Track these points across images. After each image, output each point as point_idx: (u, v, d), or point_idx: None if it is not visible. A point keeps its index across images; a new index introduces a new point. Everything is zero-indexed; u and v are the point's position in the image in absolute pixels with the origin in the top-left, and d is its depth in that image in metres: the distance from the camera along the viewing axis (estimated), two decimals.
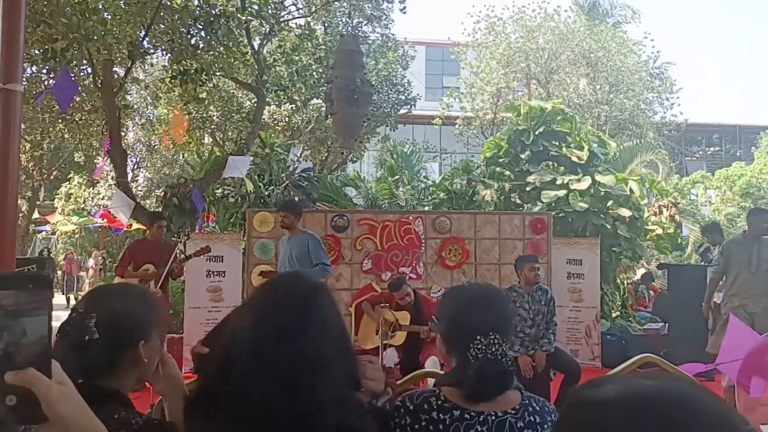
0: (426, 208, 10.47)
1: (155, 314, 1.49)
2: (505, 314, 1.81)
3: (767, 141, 22.09)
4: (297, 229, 6.12)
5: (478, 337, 1.69)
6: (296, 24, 11.51)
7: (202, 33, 8.47)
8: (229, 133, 13.70)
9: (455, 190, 10.05)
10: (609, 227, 8.95)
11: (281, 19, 10.54)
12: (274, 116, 13.55)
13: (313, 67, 11.54)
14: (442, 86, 21.86)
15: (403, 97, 14.16)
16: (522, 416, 1.65)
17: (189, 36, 8.43)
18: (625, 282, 9.80)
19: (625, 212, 8.97)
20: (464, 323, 1.74)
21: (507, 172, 9.92)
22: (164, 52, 9.22)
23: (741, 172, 19.16)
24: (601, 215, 9.00)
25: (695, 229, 12.15)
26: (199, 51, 8.58)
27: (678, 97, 18.05)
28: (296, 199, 8.98)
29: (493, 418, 1.62)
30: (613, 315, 9.01)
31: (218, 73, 10.01)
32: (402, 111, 14.40)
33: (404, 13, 11.83)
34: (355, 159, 13.67)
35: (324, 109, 9.49)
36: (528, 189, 9.58)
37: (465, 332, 1.71)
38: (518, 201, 9.83)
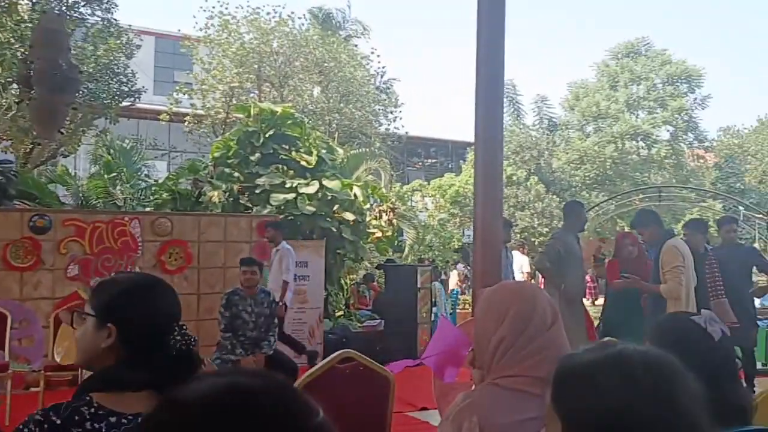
0: (148, 209, 9.78)
1: None
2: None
3: (472, 155, 25.03)
4: None
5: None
6: None
7: None
8: None
9: (180, 191, 9.55)
10: (335, 230, 9.26)
11: None
12: None
13: (15, 46, 10.07)
14: (173, 81, 20.82)
15: (127, 89, 13.10)
16: None
17: None
18: (349, 282, 10.23)
19: (350, 216, 9.36)
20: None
21: (236, 174, 9.71)
22: None
23: (451, 183, 21.42)
24: (328, 219, 9.27)
25: (411, 231, 13.24)
26: None
27: (401, 111, 19.52)
28: None
29: None
30: (337, 314, 9.33)
31: None
32: (125, 103, 13.32)
33: None
34: (67, 153, 12.25)
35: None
36: (257, 191, 9.49)
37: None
38: (247, 203, 9.68)
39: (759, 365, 6.76)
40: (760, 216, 14.60)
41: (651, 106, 26.26)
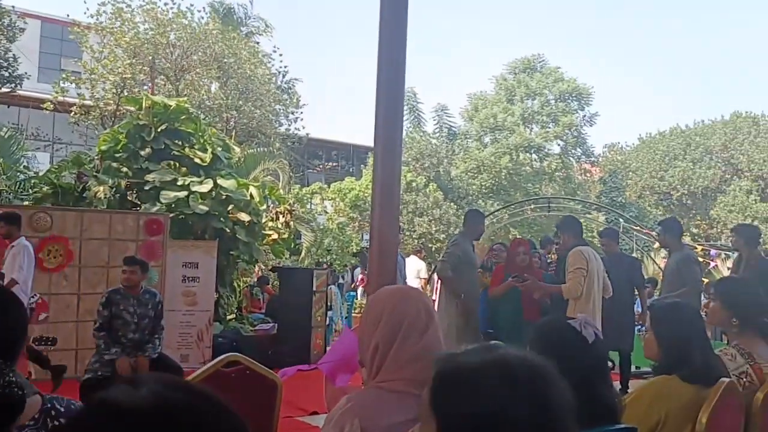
0: (26, 203, 9.12)
1: None
2: None
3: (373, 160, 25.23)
4: None
5: None
6: None
7: None
8: None
9: (63, 185, 8.95)
10: (228, 231, 8.99)
11: None
12: None
13: None
14: (60, 68, 19.62)
15: (7, 74, 12.24)
16: (44, 424, 1.45)
17: None
18: (242, 285, 9.98)
19: (245, 217, 9.11)
20: None
21: (124, 169, 9.23)
22: None
23: (351, 187, 21.47)
24: (222, 219, 8.99)
25: (309, 234, 13.14)
26: None
27: (302, 112, 19.37)
28: None
29: None
30: (228, 318, 9.07)
31: None
32: (4, 89, 12.43)
33: None
34: None
35: None
36: (147, 188, 9.06)
37: None
38: (135, 200, 9.23)
39: (633, 368, 7.14)
40: (637, 229, 15.57)
41: (544, 121, 27.52)
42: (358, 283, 14.51)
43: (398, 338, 1.73)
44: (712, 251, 14.58)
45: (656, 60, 61.97)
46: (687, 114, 76.83)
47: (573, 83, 27.29)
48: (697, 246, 18.39)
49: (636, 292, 7.27)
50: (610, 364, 6.86)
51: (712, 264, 13.37)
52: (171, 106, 9.67)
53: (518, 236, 21.76)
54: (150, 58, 15.02)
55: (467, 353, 1.11)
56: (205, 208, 8.76)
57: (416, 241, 18.72)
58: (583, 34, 62.07)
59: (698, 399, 2.57)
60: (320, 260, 14.33)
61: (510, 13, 60.88)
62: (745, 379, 2.94)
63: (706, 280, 9.09)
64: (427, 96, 60.54)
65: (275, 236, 9.94)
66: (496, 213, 19.93)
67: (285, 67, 19.55)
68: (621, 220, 18.36)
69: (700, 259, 16.73)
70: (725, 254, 14.72)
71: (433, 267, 11.91)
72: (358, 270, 16.03)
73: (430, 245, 19.01)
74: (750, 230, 6.44)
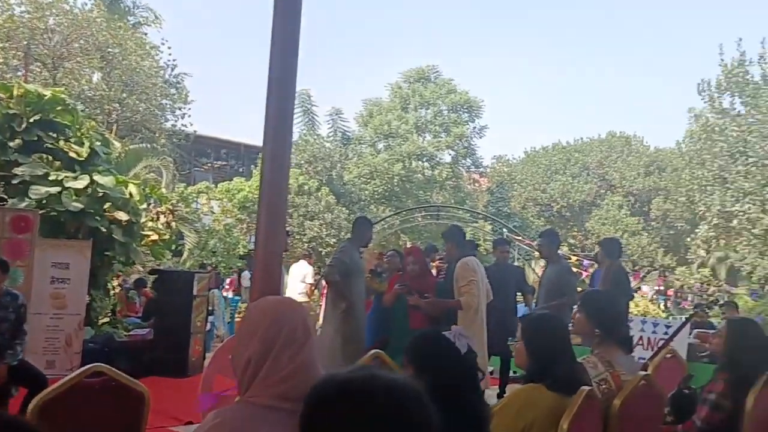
0: None
1: None
2: None
3: None
4: None
5: None
6: None
7: None
8: None
9: None
10: (104, 230, 8.50)
11: None
12: None
13: None
14: None
15: None
16: None
17: None
18: (117, 287, 9.48)
19: (123, 216, 8.65)
20: None
21: None
22: None
23: (241, 187, 20.98)
24: (97, 217, 8.48)
25: (192, 235, 12.68)
26: None
27: (190, 108, 18.66)
28: None
29: None
30: (101, 322, 8.58)
31: None
32: None
33: None
34: None
35: None
36: (15, 182, 8.40)
37: None
38: (2, 195, 8.54)
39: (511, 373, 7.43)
40: (519, 239, 16.27)
41: (436, 130, 28.22)
42: (227, 287, 14.23)
43: (272, 354, 1.67)
44: (585, 261, 15.48)
45: (544, 78, 65.26)
46: (568, 131, 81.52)
47: (465, 95, 28.17)
48: (572, 256, 19.50)
49: (523, 299, 7.69)
50: (491, 369, 7.13)
51: (584, 274, 14.18)
52: (46, 95, 9.02)
53: (408, 243, 22.15)
54: (25, 43, 14.00)
55: (339, 374, 1.17)
56: (80, 206, 8.23)
57: (306, 244, 18.57)
58: (477, 49, 64.35)
59: (561, 406, 2.69)
60: (204, 262, 13.88)
61: (409, 22, 62.05)
62: (604, 386, 3.11)
63: (580, 289, 9.63)
64: (323, 99, 60.52)
65: (155, 237, 9.51)
66: (387, 219, 20.19)
67: (174, 60, 18.77)
68: (504, 229, 19.11)
69: (574, 269, 17.79)
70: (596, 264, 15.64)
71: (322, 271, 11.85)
72: (246, 273, 15.68)
73: (320, 249, 18.92)
74: (610, 243, 6.92)
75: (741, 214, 18.11)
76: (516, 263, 16.03)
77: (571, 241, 33.06)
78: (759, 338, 3.63)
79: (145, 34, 18.26)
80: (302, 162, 20.66)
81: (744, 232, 18.54)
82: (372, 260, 9.05)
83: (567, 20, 61.26)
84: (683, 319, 7.14)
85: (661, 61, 61.74)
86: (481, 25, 63.47)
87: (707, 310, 7.24)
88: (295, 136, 24.12)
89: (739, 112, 19.09)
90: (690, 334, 6.92)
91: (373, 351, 3.86)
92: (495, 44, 63.34)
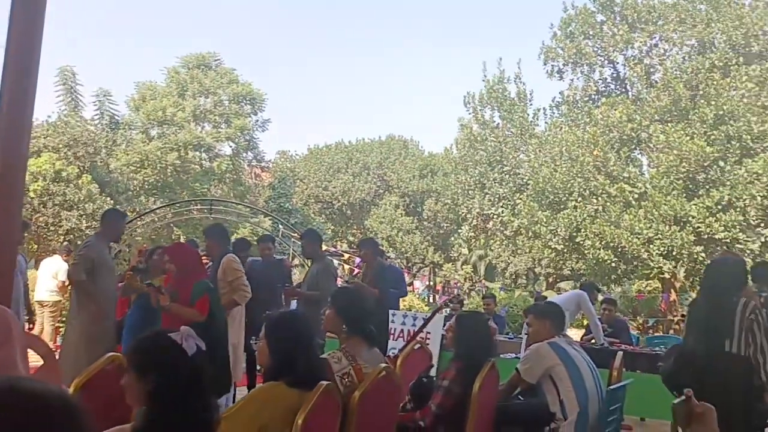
0: None
1: None
2: None
3: None
4: None
5: None
6: None
7: None
8: None
9: None
10: None
11: None
12: None
13: None
14: None
15: None
16: None
17: None
18: None
19: None
20: None
21: None
22: None
23: None
24: None
25: None
26: None
27: None
28: None
29: None
30: None
31: None
32: None
33: None
34: None
35: None
36: None
37: None
38: None
39: None
40: (296, 236, 16.34)
41: (216, 121, 27.31)
42: None
43: None
44: (358, 259, 16.05)
45: (331, 77, 66.63)
46: (351, 132, 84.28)
47: (248, 87, 27.60)
48: (345, 254, 20.16)
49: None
50: None
51: (356, 271, 14.68)
52: None
53: (182, 237, 21.14)
54: None
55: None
56: None
57: (62, 237, 16.83)
58: (263, 42, 63.75)
59: (300, 402, 2.68)
60: None
61: (190, 7, 59.46)
62: (347, 379, 3.18)
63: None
64: (89, 78, 55.25)
65: None
66: (158, 211, 19.10)
67: None
68: (280, 225, 19.13)
69: (347, 266, 18.35)
70: None
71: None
72: None
73: (79, 242, 17.26)
74: (369, 242, 7.72)
75: (495, 216, 20.14)
76: (295, 260, 16.15)
77: (351, 238, 34.23)
78: (484, 330, 4.01)
79: None
80: (60, 146, 18.56)
81: (498, 233, 20.63)
82: (135, 257, 8.46)
83: (350, 21, 63.30)
84: (445, 314, 7.76)
85: (437, 71, 66.45)
86: (265, 15, 63.06)
87: (457, 304, 7.91)
88: (54, 117, 21.76)
89: (497, 124, 21.23)
90: (444, 326, 7.48)
91: (110, 354, 3.55)
92: (279, 36, 63.37)
